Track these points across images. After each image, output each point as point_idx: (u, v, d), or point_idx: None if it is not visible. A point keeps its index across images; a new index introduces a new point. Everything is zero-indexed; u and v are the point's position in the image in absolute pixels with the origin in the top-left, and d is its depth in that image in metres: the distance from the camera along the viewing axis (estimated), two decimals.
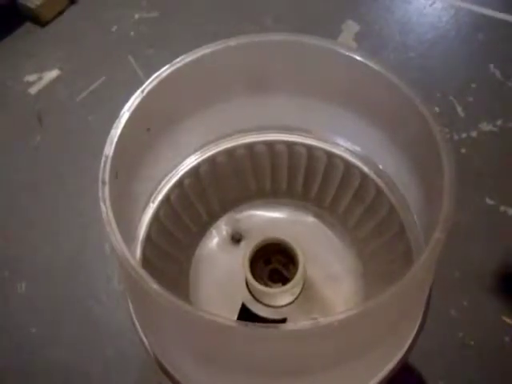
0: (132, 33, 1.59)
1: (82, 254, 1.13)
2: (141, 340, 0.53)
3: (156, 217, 0.65)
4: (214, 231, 0.74)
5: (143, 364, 0.99)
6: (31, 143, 1.33)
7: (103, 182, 0.40)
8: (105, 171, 0.42)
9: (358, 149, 0.67)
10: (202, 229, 0.74)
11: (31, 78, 1.50)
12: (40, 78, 1.50)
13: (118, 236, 0.37)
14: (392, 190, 0.64)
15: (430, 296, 0.55)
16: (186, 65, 0.51)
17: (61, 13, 1.65)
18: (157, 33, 1.56)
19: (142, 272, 0.36)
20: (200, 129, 0.63)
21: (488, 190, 1.14)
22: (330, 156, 0.69)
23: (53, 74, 1.50)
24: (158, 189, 0.65)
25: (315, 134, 0.69)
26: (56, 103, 1.42)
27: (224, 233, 0.74)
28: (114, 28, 1.61)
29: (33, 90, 1.47)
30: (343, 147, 0.68)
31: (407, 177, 0.59)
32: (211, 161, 0.69)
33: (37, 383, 0.99)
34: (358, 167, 0.68)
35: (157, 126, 0.55)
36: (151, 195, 0.64)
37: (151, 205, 0.64)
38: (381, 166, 0.65)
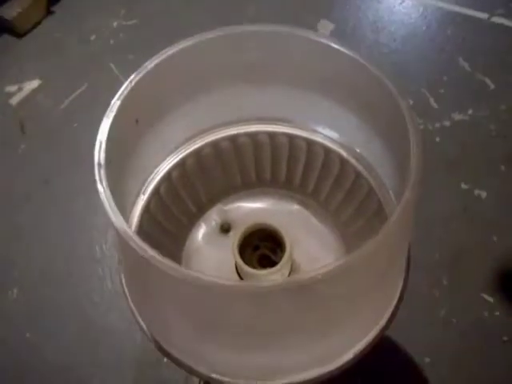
0: (111, 41, 1.61)
1: (73, 257, 1.14)
2: (137, 322, 0.55)
3: (147, 209, 0.67)
4: (202, 223, 0.77)
5: (139, 364, 1.01)
6: (16, 151, 1.34)
7: (99, 165, 0.42)
8: (100, 154, 0.44)
9: (336, 135, 0.70)
10: (192, 221, 0.76)
11: (12, 88, 1.51)
12: (20, 89, 1.51)
13: (115, 209, 0.39)
14: (370, 172, 0.68)
15: (408, 267, 0.59)
16: (169, 57, 0.53)
17: (38, 23, 1.66)
18: (137, 39, 1.59)
19: (140, 241, 0.38)
20: (185, 121, 0.65)
21: (462, 175, 1.20)
22: (310, 144, 0.72)
23: (33, 83, 1.51)
24: (148, 180, 0.67)
25: (295, 123, 0.72)
26: (38, 112, 1.44)
27: (213, 223, 0.76)
28: (93, 36, 1.63)
29: (14, 101, 1.47)
30: (322, 134, 0.71)
31: (383, 158, 0.63)
32: (197, 153, 0.72)
33: None
34: (337, 153, 0.71)
35: (145, 118, 0.57)
36: (142, 187, 0.66)
37: (142, 196, 0.66)
38: (358, 150, 0.68)
